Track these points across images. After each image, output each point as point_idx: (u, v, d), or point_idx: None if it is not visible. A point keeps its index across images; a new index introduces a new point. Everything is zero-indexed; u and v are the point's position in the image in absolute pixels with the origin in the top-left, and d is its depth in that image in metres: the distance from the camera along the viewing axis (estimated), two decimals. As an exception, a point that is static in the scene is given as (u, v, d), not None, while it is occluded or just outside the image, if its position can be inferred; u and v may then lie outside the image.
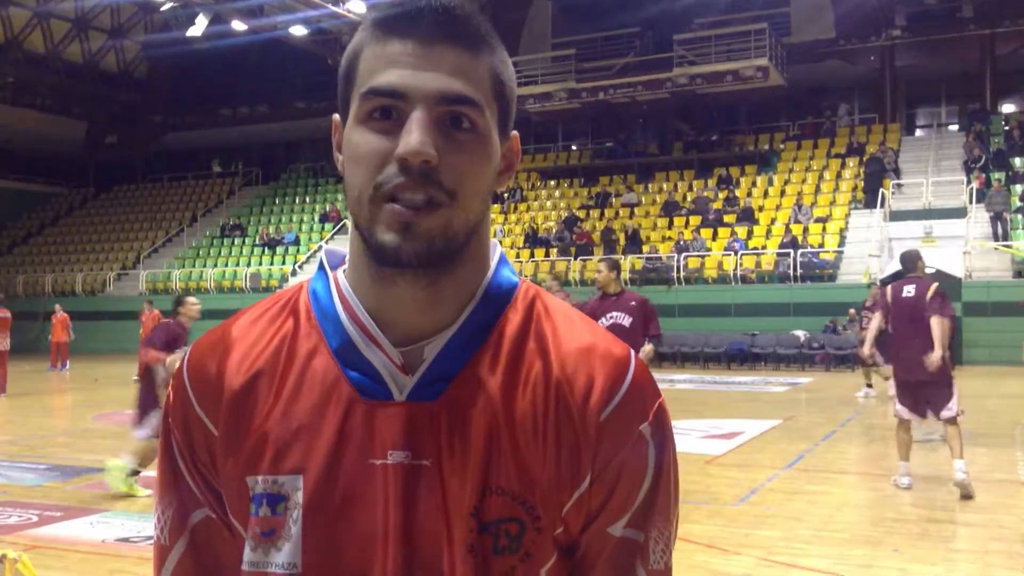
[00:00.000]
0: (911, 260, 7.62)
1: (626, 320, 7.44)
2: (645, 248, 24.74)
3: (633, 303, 7.58)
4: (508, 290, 0.97)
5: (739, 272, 22.90)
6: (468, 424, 0.90)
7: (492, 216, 0.97)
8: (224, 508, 0.97)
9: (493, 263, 0.98)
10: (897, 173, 25.22)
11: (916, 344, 7.20)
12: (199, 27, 25.54)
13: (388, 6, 0.93)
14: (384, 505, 0.89)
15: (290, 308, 0.99)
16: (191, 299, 7.88)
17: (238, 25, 26.40)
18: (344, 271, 0.98)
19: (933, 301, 7.23)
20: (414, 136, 0.85)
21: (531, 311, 0.97)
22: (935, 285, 7.40)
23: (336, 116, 0.96)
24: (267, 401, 0.94)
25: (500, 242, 26.08)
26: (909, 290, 7.39)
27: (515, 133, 0.98)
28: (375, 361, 0.92)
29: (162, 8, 26.68)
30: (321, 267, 1.00)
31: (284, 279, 28.26)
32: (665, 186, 27.98)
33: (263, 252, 30.53)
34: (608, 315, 7.47)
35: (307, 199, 33.62)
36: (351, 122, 0.91)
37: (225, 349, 0.97)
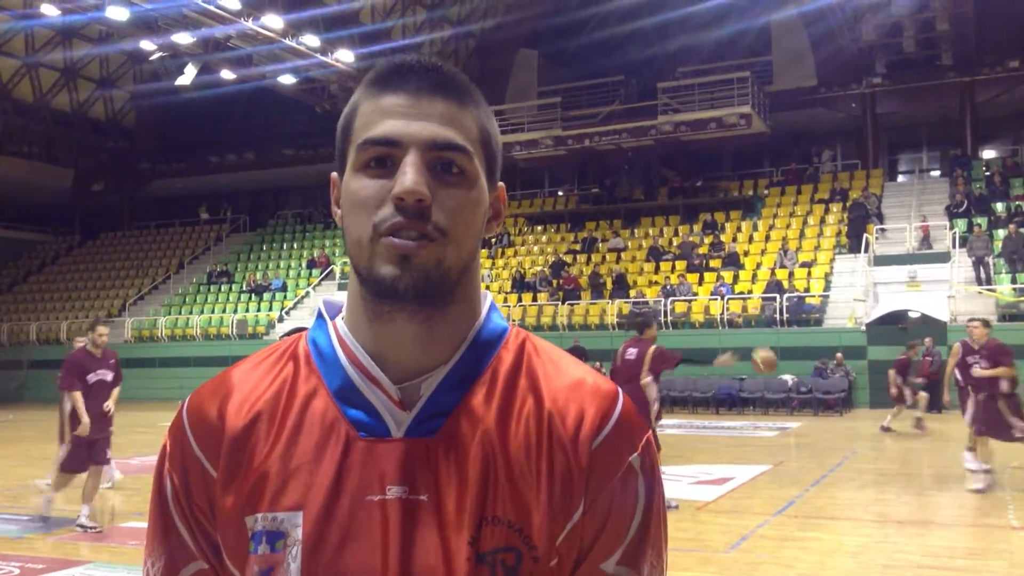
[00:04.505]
0: (641, 324, 8.98)
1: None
2: (632, 293, 24.81)
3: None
4: (499, 333, 1.02)
5: (726, 316, 22.97)
6: (464, 457, 0.93)
7: (480, 261, 1.01)
8: (220, 558, 0.97)
9: (484, 309, 1.02)
10: (880, 218, 25.47)
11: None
12: (188, 76, 25.70)
13: (380, 66, 0.98)
14: (383, 540, 0.91)
15: (289, 354, 1.02)
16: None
17: (226, 74, 26.60)
18: (342, 317, 1.02)
19: (653, 361, 8.56)
20: (408, 177, 0.91)
21: (522, 351, 1.01)
22: (652, 348, 8.66)
23: (334, 174, 1.01)
24: (267, 441, 0.96)
25: (488, 287, 26.00)
26: (631, 352, 8.70)
27: (502, 184, 1.04)
28: (373, 399, 0.95)
29: (151, 58, 26.86)
30: (320, 317, 1.04)
31: (271, 325, 28.15)
32: (651, 231, 28.15)
33: (250, 299, 30.44)
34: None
35: (294, 245, 33.64)
36: (349, 172, 0.96)
37: (226, 393, 0.99)
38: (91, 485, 8.18)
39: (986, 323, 10.11)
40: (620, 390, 1.00)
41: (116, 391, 8.40)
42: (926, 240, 23.96)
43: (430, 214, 0.91)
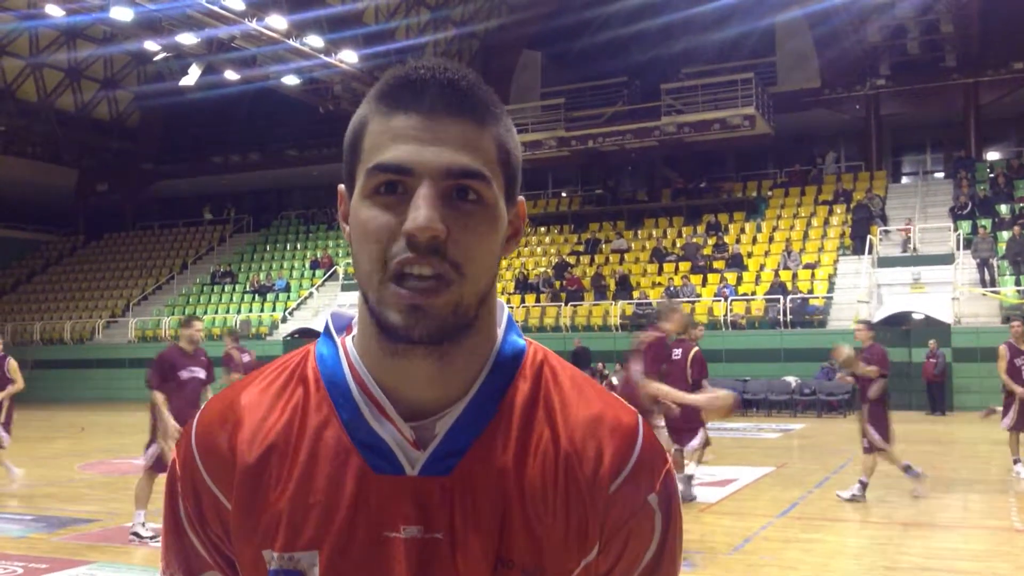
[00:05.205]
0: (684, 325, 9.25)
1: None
2: (635, 294, 24.80)
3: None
4: (516, 356, 0.98)
5: (729, 318, 22.95)
6: (480, 498, 0.91)
7: (496, 284, 0.98)
8: (235, 570, 0.98)
9: (501, 329, 0.98)
10: (884, 220, 25.44)
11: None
12: (192, 77, 25.73)
13: (391, 77, 0.92)
14: None
15: (299, 376, 0.98)
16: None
17: (230, 75, 26.62)
18: (352, 338, 0.98)
19: (694, 367, 8.78)
20: (422, 212, 0.85)
21: (540, 378, 0.97)
22: (696, 350, 8.95)
23: (342, 187, 0.97)
24: (280, 477, 0.94)
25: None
26: (677, 352, 8.87)
27: (521, 198, 0.98)
28: (386, 436, 0.92)
29: (155, 58, 26.89)
30: (327, 332, 1.00)
31: (274, 326, 28.17)
32: (654, 232, 28.14)
33: (253, 299, 30.47)
34: None
35: (298, 246, 33.67)
36: (357, 196, 0.91)
37: (236, 422, 0.97)
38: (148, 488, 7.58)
39: (869, 325, 9.86)
40: (640, 422, 0.97)
41: (209, 391, 7.87)
42: (908, 242, 24.03)
43: (445, 249, 0.86)
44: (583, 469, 0.93)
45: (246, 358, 11.39)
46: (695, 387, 9.00)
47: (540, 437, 0.94)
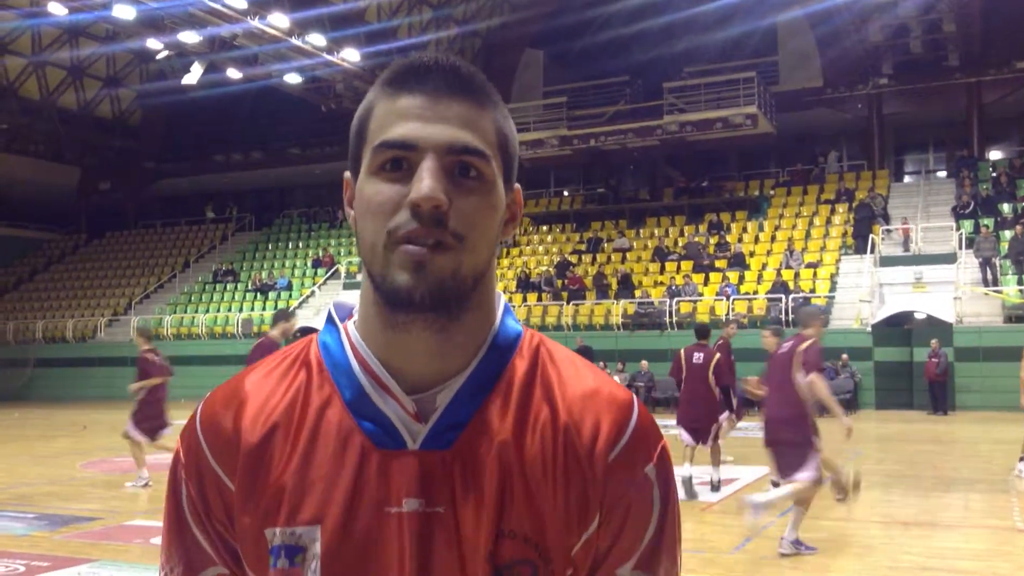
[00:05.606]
0: (701, 331, 9.69)
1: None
2: (637, 293, 24.79)
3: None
4: (514, 338, 1.00)
5: (731, 317, 22.91)
6: (481, 471, 0.92)
7: (496, 266, 1.00)
8: (239, 564, 0.98)
9: (498, 313, 1.00)
10: (886, 219, 25.43)
11: (701, 397, 9.25)
12: (194, 75, 25.74)
13: (397, 65, 0.96)
14: (400, 553, 0.90)
15: (301, 361, 1.00)
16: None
17: (233, 73, 26.64)
18: (354, 322, 1.00)
19: (717, 368, 9.23)
20: (425, 183, 0.89)
21: (536, 358, 1.00)
22: (718, 356, 9.34)
23: (347, 174, 0.99)
24: (283, 454, 0.95)
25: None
26: (698, 356, 9.26)
27: (518, 186, 1.02)
28: (388, 411, 0.94)
29: (157, 57, 26.91)
30: (330, 320, 1.02)
31: (276, 325, 28.14)
32: (656, 231, 28.13)
33: (255, 297, 30.48)
34: None
35: (300, 245, 33.68)
36: (363, 175, 0.94)
37: (240, 404, 0.98)
38: None
39: (775, 331, 9.32)
40: (635, 398, 0.99)
41: None
42: (906, 242, 24.02)
43: (447, 220, 0.89)
44: (581, 440, 0.95)
45: (158, 360, 10.61)
46: (722, 393, 9.07)
47: (539, 412, 0.96)
